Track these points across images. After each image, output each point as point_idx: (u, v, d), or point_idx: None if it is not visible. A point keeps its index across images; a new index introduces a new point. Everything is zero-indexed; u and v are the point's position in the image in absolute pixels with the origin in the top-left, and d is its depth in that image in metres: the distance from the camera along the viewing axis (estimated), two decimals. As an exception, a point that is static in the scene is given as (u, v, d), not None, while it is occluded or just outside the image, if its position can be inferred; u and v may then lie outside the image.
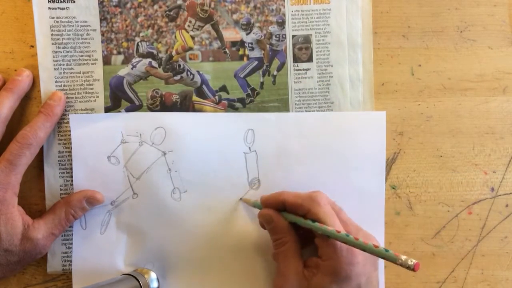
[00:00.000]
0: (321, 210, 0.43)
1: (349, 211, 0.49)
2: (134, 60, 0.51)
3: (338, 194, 0.50)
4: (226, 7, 0.51)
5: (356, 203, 0.50)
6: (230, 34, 0.51)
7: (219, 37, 0.51)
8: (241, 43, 0.51)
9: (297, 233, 0.45)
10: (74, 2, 0.50)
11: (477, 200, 0.52)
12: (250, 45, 0.51)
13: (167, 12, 0.51)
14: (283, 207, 0.46)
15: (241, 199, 0.50)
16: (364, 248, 0.40)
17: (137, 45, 0.51)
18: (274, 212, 0.46)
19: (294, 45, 0.51)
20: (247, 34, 0.51)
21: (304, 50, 0.51)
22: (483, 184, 0.52)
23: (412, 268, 0.36)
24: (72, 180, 0.50)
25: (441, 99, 0.52)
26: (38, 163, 0.50)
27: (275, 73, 0.52)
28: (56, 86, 0.50)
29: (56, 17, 0.49)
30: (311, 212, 0.43)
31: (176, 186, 0.50)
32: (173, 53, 0.51)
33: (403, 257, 0.37)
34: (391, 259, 0.38)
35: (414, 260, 0.37)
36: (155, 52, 0.51)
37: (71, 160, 0.49)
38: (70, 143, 0.49)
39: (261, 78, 0.51)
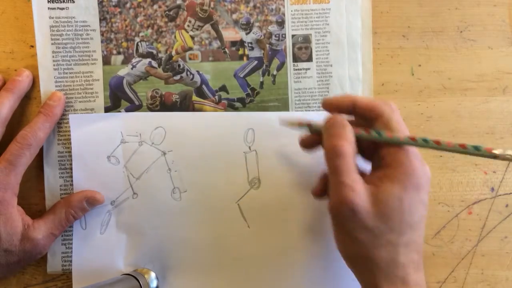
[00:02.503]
0: (394, 117, 0.41)
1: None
2: (134, 60, 0.51)
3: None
4: (226, 6, 0.51)
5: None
6: (230, 34, 0.51)
7: (219, 37, 0.51)
8: (241, 43, 0.51)
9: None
10: (74, 2, 0.50)
11: (477, 200, 0.52)
12: (249, 44, 0.51)
13: (167, 12, 0.51)
14: (350, 111, 0.42)
15: (286, 122, 0.47)
16: (448, 149, 0.38)
17: (137, 45, 0.51)
18: (344, 119, 0.42)
19: (293, 45, 0.51)
20: (247, 33, 0.51)
21: (303, 50, 0.51)
22: (483, 184, 0.52)
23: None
24: (72, 180, 0.50)
25: (441, 99, 0.52)
26: (38, 163, 0.50)
27: (274, 72, 0.52)
28: (56, 86, 0.50)
29: (55, 17, 0.49)
30: (385, 116, 0.41)
31: (176, 186, 0.50)
32: (173, 53, 0.51)
33: (498, 151, 0.36)
34: (486, 155, 0.36)
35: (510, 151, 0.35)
36: (155, 52, 0.51)
37: (71, 160, 0.49)
38: (70, 143, 0.49)
39: (261, 77, 0.51)
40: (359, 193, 0.39)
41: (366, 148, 0.43)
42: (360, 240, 0.40)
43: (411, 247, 0.40)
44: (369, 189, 0.40)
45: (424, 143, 0.39)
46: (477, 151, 0.37)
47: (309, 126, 0.45)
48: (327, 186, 0.45)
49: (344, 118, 0.42)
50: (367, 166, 0.44)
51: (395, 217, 0.39)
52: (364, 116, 0.42)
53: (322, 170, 0.47)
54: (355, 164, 0.40)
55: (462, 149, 0.38)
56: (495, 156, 0.36)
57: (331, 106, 0.44)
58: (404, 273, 0.40)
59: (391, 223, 0.39)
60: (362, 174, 0.41)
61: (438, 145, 0.38)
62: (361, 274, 0.41)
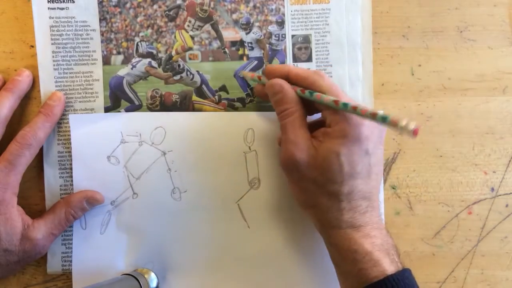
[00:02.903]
0: (324, 83, 0.44)
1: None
2: (133, 60, 0.51)
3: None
4: (226, 6, 0.51)
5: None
6: (230, 34, 0.51)
7: (219, 37, 0.51)
8: (241, 43, 0.51)
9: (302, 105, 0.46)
10: (74, 2, 0.50)
11: (477, 200, 0.52)
12: (249, 44, 0.51)
13: (167, 12, 0.51)
14: (286, 79, 0.46)
15: (241, 72, 0.51)
16: (361, 115, 0.41)
17: (137, 45, 0.51)
18: (284, 82, 0.46)
19: (293, 45, 0.51)
20: (247, 33, 0.51)
21: (303, 50, 0.51)
22: (483, 184, 0.52)
23: (411, 133, 0.37)
24: (72, 180, 0.50)
25: (441, 99, 0.52)
26: (38, 163, 0.50)
27: (275, 73, 0.51)
28: (56, 86, 0.50)
29: (55, 17, 0.49)
30: (316, 84, 0.45)
31: (176, 186, 0.50)
32: (173, 53, 0.51)
33: (404, 122, 0.37)
34: (391, 125, 0.39)
35: (414, 124, 0.37)
36: (154, 52, 0.51)
37: (71, 160, 0.49)
38: (70, 143, 0.49)
39: (261, 78, 0.51)
40: (300, 147, 0.44)
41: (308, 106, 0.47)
42: (305, 189, 0.45)
43: (355, 195, 0.43)
44: (312, 144, 0.44)
45: (343, 107, 0.42)
46: (383, 121, 0.39)
47: (259, 79, 0.49)
48: None
49: (281, 81, 0.46)
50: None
51: (333, 170, 0.43)
52: (298, 85, 0.46)
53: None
54: (301, 120, 0.45)
55: (371, 117, 0.40)
56: (399, 127, 0.38)
57: (270, 75, 0.48)
58: (350, 217, 0.43)
59: (330, 175, 0.43)
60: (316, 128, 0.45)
61: (354, 110, 0.41)
62: (313, 219, 0.46)
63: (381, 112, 0.39)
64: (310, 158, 0.44)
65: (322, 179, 0.43)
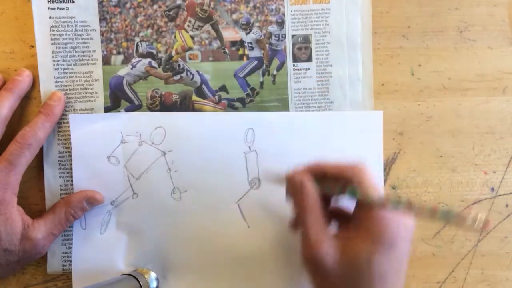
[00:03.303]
0: (365, 179, 0.40)
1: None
2: (133, 60, 0.51)
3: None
4: (226, 7, 0.51)
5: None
6: (230, 34, 0.51)
7: (219, 37, 0.51)
8: (241, 43, 0.51)
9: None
10: (74, 2, 0.50)
11: (477, 200, 0.52)
12: (249, 44, 0.51)
13: (167, 12, 0.51)
14: (321, 176, 0.42)
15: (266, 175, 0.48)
16: (419, 213, 0.36)
17: (137, 45, 0.51)
18: (305, 175, 0.42)
19: (293, 45, 0.51)
20: (247, 33, 0.51)
21: (303, 50, 0.51)
22: (483, 184, 0.52)
23: (483, 228, 0.34)
24: (72, 180, 0.50)
25: (441, 99, 0.52)
26: (38, 163, 0.50)
27: (274, 72, 0.52)
28: (56, 86, 0.50)
29: (55, 17, 0.49)
30: (354, 180, 0.40)
31: (176, 186, 0.50)
32: (173, 53, 0.51)
33: (471, 217, 0.34)
34: (456, 222, 0.35)
35: (483, 217, 0.33)
36: (154, 52, 0.51)
37: (71, 160, 0.49)
38: (70, 143, 0.49)
39: (260, 77, 0.51)
40: (324, 247, 0.39)
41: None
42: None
43: None
44: (337, 247, 0.39)
45: (396, 205, 0.38)
46: (446, 218, 0.36)
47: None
48: None
49: (304, 175, 0.42)
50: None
51: (363, 282, 0.38)
52: (337, 180, 0.42)
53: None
54: (322, 219, 0.41)
55: (431, 214, 0.37)
56: (467, 224, 0.35)
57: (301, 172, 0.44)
58: None
59: (357, 280, 0.38)
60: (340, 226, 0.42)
61: (409, 206, 0.37)
62: None
63: (443, 208, 0.36)
64: (336, 264, 0.39)
65: (347, 281, 0.39)
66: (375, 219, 0.39)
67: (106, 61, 0.50)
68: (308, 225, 0.41)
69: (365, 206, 0.40)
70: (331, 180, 0.42)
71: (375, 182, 0.41)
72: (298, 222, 0.43)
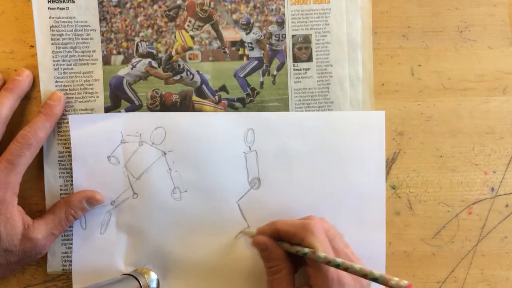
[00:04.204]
0: (315, 239, 0.43)
1: (349, 211, 0.49)
2: (134, 60, 0.51)
3: (338, 193, 0.50)
4: (226, 7, 0.51)
5: (357, 203, 0.50)
6: (230, 34, 0.51)
7: (219, 37, 0.51)
8: (241, 43, 0.51)
9: (290, 260, 0.45)
10: (74, 2, 0.50)
11: (477, 200, 0.52)
12: (249, 45, 0.51)
13: (167, 12, 0.51)
14: (278, 236, 0.46)
15: (241, 232, 0.50)
16: (356, 273, 0.40)
17: (137, 45, 0.51)
18: (269, 239, 0.46)
19: (293, 45, 0.51)
20: (247, 34, 0.51)
21: (304, 50, 0.51)
22: (483, 184, 0.52)
23: None
24: (72, 180, 0.50)
25: (441, 99, 0.52)
26: (38, 163, 0.50)
27: (275, 72, 0.52)
28: (56, 86, 0.50)
29: (55, 17, 0.49)
30: (305, 241, 0.43)
31: (176, 186, 0.50)
32: (173, 53, 0.51)
33: (395, 279, 0.37)
34: (382, 282, 0.38)
35: (406, 282, 0.37)
36: (154, 52, 0.51)
37: (71, 160, 0.49)
38: (70, 143, 0.49)
39: (261, 77, 0.51)
40: None
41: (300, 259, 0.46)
42: None
43: None
44: None
45: (336, 266, 0.41)
46: (376, 280, 0.39)
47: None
48: None
49: (266, 240, 0.46)
50: None
51: None
52: (289, 242, 0.45)
53: None
54: (288, 277, 0.45)
55: (363, 276, 0.40)
56: (391, 284, 0.38)
57: (262, 233, 0.47)
58: None
59: None
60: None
61: (346, 269, 0.41)
62: None
63: (376, 272, 0.39)
64: None
65: None
66: (323, 284, 0.42)
67: (106, 61, 0.50)
68: (273, 286, 0.45)
69: (314, 268, 0.43)
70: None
71: (324, 240, 0.44)
72: (267, 278, 0.46)
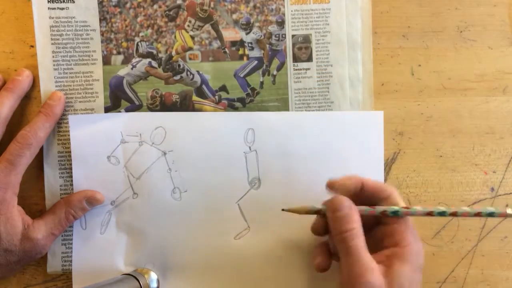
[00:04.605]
0: (400, 198, 0.43)
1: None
2: (134, 60, 0.51)
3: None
4: (226, 7, 0.51)
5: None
6: (230, 34, 0.51)
7: (219, 37, 0.51)
8: (241, 43, 0.51)
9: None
10: (74, 2, 0.50)
11: (477, 200, 0.52)
12: (249, 44, 0.51)
13: (167, 12, 0.51)
14: (358, 192, 0.44)
15: (283, 209, 0.47)
16: (467, 214, 0.41)
17: (137, 45, 0.51)
18: (349, 200, 0.43)
19: (293, 45, 0.51)
20: (247, 33, 0.51)
21: (303, 50, 0.51)
22: (483, 184, 0.52)
23: None
24: (72, 180, 0.50)
25: (441, 99, 0.52)
26: (38, 163, 0.50)
27: (274, 72, 0.52)
28: (56, 86, 0.50)
29: (55, 17, 0.49)
30: (391, 197, 0.43)
31: (176, 186, 0.50)
32: (173, 53, 0.51)
33: (509, 210, 0.38)
34: (498, 215, 0.39)
35: None
36: (155, 52, 0.51)
37: (71, 160, 0.49)
38: (70, 143, 0.49)
39: (261, 77, 0.51)
40: (375, 272, 0.40)
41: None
42: None
43: None
44: (381, 268, 0.41)
45: (441, 215, 0.42)
46: (491, 216, 0.40)
47: (318, 212, 0.45)
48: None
49: (347, 199, 0.43)
50: None
51: None
52: (371, 197, 0.44)
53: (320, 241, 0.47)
54: (365, 242, 0.42)
55: (477, 215, 0.41)
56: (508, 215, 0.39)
57: (337, 187, 0.44)
58: None
59: None
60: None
61: (454, 214, 0.41)
62: None
63: (489, 208, 0.39)
64: (384, 284, 0.40)
65: None
66: (410, 242, 0.41)
67: (106, 61, 0.50)
68: (357, 251, 0.41)
69: (399, 225, 0.42)
70: (367, 198, 0.44)
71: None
72: (342, 250, 0.42)
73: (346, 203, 0.43)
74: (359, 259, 0.40)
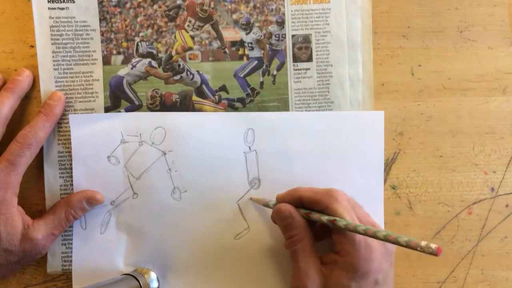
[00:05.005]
0: (339, 206, 0.43)
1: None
2: (133, 60, 0.51)
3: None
4: (226, 7, 0.51)
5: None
6: (230, 34, 0.51)
7: (219, 37, 0.51)
8: (241, 43, 0.51)
9: (311, 229, 0.45)
10: (74, 2, 0.50)
11: (477, 200, 0.52)
12: (249, 44, 0.51)
13: (167, 12, 0.51)
14: (299, 204, 0.45)
15: (251, 198, 0.50)
16: (381, 238, 0.39)
17: (137, 45, 0.51)
18: (292, 207, 0.45)
19: (293, 45, 0.51)
20: (247, 34, 0.51)
21: (303, 50, 0.51)
22: (483, 184, 0.52)
23: (434, 253, 0.36)
24: (72, 180, 0.50)
25: (441, 99, 0.52)
26: (38, 163, 0.50)
27: (274, 72, 0.52)
28: (56, 86, 0.50)
29: (55, 17, 0.49)
30: (330, 208, 0.43)
31: (176, 186, 0.50)
32: (173, 53, 0.51)
33: (423, 243, 0.37)
34: (410, 247, 0.37)
35: (434, 245, 0.36)
36: (154, 52, 0.51)
37: (71, 160, 0.49)
38: (70, 143, 0.49)
39: (261, 77, 0.51)
40: (312, 278, 0.43)
41: (319, 229, 0.46)
42: None
43: None
44: (323, 272, 0.43)
45: (361, 232, 0.41)
46: (402, 245, 0.38)
47: (266, 205, 0.49)
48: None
49: (288, 207, 0.45)
50: None
51: None
52: (311, 209, 0.45)
53: None
54: (310, 246, 0.44)
55: (389, 241, 0.39)
56: (420, 248, 0.37)
57: (283, 200, 0.47)
58: None
59: None
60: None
61: (373, 234, 0.40)
62: None
63: (403, 238, 0.38)
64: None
65: None
66: (349, 252, 0.42)
67: (106, 61, 0.50)
68: (296, 256, 0.44)
69: (339, 234, 0.43)
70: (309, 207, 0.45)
71: (347, 207, 0.43)
72: (286, 247, 0.45)
73: (286, 212, 0.45)
74: (297, 264, 0.44)
